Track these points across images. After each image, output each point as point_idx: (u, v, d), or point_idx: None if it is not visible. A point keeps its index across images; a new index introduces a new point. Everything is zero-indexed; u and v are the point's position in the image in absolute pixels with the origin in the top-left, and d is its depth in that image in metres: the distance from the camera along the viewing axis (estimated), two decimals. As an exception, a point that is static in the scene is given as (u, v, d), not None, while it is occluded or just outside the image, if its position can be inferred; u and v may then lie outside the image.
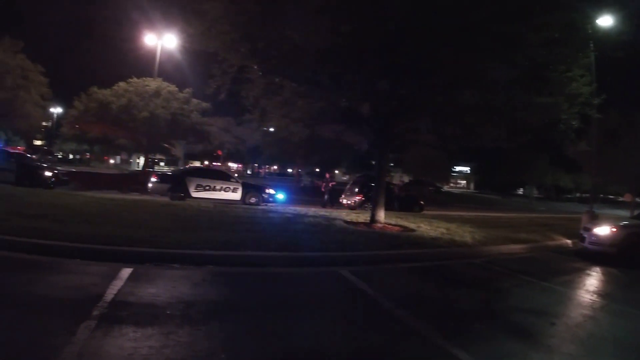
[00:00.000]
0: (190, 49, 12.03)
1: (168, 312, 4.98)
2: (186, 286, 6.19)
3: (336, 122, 13.30)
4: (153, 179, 19.09)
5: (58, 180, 20.06)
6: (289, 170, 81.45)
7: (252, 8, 9.85)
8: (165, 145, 47.27)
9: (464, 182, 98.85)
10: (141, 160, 73.75)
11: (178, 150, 61.83)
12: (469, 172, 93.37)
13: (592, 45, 11.76)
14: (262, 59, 11.22)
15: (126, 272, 6.39)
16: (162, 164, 74.61)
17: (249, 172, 79.24)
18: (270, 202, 19.77)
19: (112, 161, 77.87)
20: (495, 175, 69.98)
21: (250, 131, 47.79)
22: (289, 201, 22.24)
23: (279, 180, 55.05)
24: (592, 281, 9.57)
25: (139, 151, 61.57)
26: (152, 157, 37.54)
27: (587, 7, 10.43)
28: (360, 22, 9.85)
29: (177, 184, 18.59)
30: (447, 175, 66.62)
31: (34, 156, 28.72)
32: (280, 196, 20.94)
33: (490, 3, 9.45)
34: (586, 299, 7.73)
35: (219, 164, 50.72)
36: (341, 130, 13.76)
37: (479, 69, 10.61)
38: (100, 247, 7.42)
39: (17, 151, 22.82)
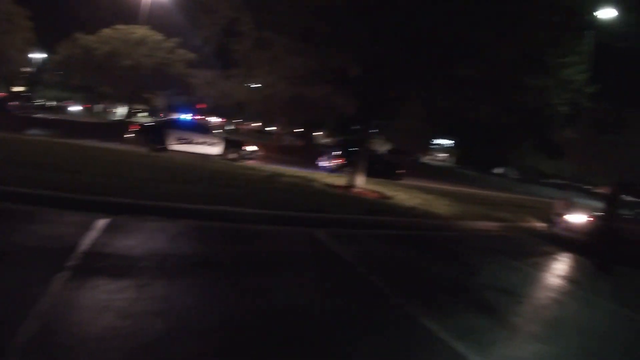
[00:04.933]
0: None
1: (143, 265, 4.97)
2: (162, 239, 6.18)
3: (325, 83, 13.09)
4: (133, 129, 18.90)
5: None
6: (271, 128, 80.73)
7: None
8: (148, 95, 46.53)
9: (445, 155, 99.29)
10: (122, 110, 72.73)
11: (161, 101, 60.99)
12: (451, 146, 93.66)
13: (592, 33, 11.77)
14: (256, 10, 10.94)
15: (103, 222, 6.31)
16: (144, 114, 73.25)
17: (230, 127, 78.14)
18: (249, 158, 19.70)
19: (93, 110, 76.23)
20: (477, 152, 70.34)
21: (236, 86, 47.09)
22: (269, 160, 22.18)
23: (260, 137, 54.66)
24: (562, 266, 9.84)
25: (121, 101, 60.61)
26: (133, 107, 36.80)
27: None
28: None
29: (156, 135, 18.31)
30: (426, 146, 66.80)
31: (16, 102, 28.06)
32: (260, 153, 20.83)
33: None
34: (554, 283, 7.97)
35: (202, 117, 50.03)
36: (329, 93, 13.59)
37: (479, 43, 10.52)
38: (78, 197, 7.25)
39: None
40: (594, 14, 11.83)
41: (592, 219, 12.31)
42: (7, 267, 4.43)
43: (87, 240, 5.48)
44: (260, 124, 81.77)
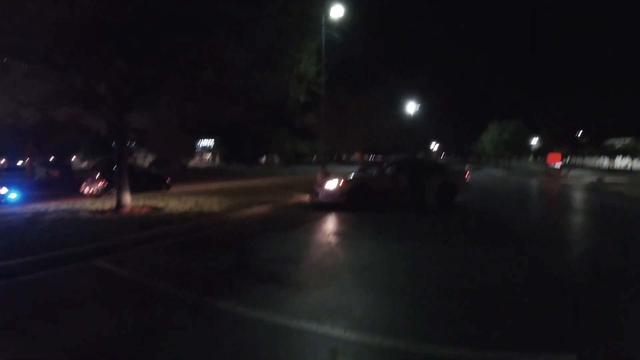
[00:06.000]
0: None
1: None
2: None
3: (72, 104, 12.21)
4: None
5: None
6: (19, 162, 72.09)
7: None
8: None
9: (209, 156, 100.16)
10: None
11: None
12: (212, 146, 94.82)
13: (322, 31, 13.10)
14: None
15: None
16: None
17: None
18: (2, 203, 17.30)
19: None
20: (239, 148, 72.61)
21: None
22: (26, 199, 19.83)
23: (9, 175, 48.38)
24: (328, 225, 11.49)
25: None
26: None
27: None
28: None
29: None
30: (190, 151, 66.72)
31: None
32: (13, 195, 18.35)
33: None
34: (324, 240, 9.41)
35: None
36: (78, 113, 12.74)
37: (217, 52, 11.02)
38: None
39: None
40: (325, 14, 13.21)
41: (344, 182, 14.13)
42: None
43: None
44: (2, 160, 72.54)
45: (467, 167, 23.53)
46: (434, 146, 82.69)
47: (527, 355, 3.81)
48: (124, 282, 6.59)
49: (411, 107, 46.82)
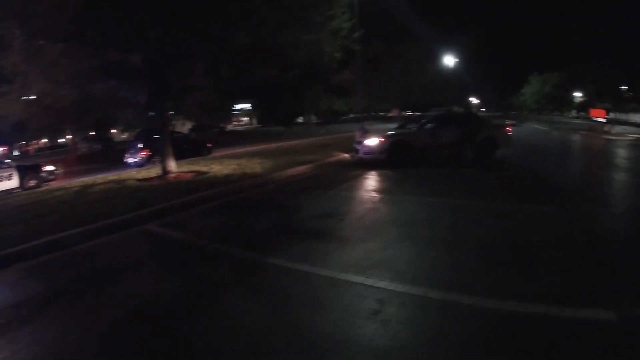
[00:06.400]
0: None
1: None
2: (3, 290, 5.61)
3: (109, 78, 12.56)
4: None
5: None
6: (61, 140, 73.86)
7: None
8: None
9: (247, 119, 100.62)
10: None
11: None
12: (249, 108, 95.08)
13: None
14: (21, 19, 10.10)
15: None
16: None
17: (16, 152, 69.14)
18: (51, 179, 18.02)
19: None
20: (275, 109, 72.47)
21: (10, 104, 41.75)
22: (72, 173, 20.59)
23: (53, 153, 49.94)
24: (370, 182, 11.59)
25: None
26: None
27: None
28: None
29: None
30: (227, 115, 67.04)
31: None
32: (60, 170, 19.00)
33: None
34: (366, 197, 9.58)
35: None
36: (115, 86, 13.06)
37: (249, 12, 11.04)
38: None
39: None
40: None
41: (384, 138, 14.18)
42: None
43: None
44: (47, 139, 74.23)
45: (508, 121, 23.06)
46: (474, 100, 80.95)
47: (567, 310, 3.86)
48: (177, 243, 6.96)
49: (449, 60, 45.63)
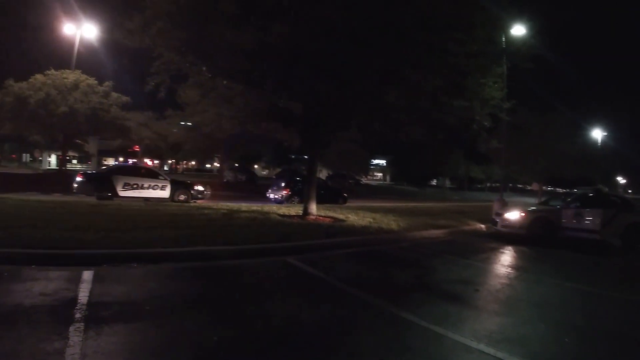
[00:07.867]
0: (129, 44, 11.62)
1: (147, 308, 5.30)
2: (153, 283, 6.57)
3: (273, 120, 13.76)
4: (78, 179, 18.35)
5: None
6: (207, 165, 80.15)
7: (185, 2, 10.25)
8: (78, 141, 45.21)
9: (380, 174, 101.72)
10: (52, 158, 69.98)
11: (91, 147, 59.40)
12: (384, 164, 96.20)
13: (505, 57, 13.16)
14: (200, 56, 11.49)
15: (88, 274, 6.48)
16: (74, 161, 70.77)
17: (165, 168, 76.32)
18: (199, 198, 19.83)
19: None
20: (410, 168, 72.60)
21: (170, 126, 46.39)
22: (216, 197, 22.31)
23: (200, 176, 54.28)
24: (507, 257, 11.20)
25: (52, 148, 58.40)
26: (64, 154, 34.85)
27: (504, 25, 11.69)
28: (292, 24, 10.46)
29: (103, 183, 18.05)
30: (365, 167, 68.52)
31: None
32: (208, 192, 20.84)
33: (419, 18, 10.47)
34: (503, 271, 9.28)
35: (134, 160, 48.99)
36: (275, 128, 14.24)
37: (407, 75, 11.57)
38: (53, 252, 7.35)
39: None
40: (507, 37, 13.21)
41: (526, 213, 13.83)
42: (21, 326, 4.43)
43: (84, 292, 5.65)
44: (194, 162, 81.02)
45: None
46: (621, 180, 74.51)
47: None
48: (314, 279, 7.50)
49: (598, 134, 43.17)
